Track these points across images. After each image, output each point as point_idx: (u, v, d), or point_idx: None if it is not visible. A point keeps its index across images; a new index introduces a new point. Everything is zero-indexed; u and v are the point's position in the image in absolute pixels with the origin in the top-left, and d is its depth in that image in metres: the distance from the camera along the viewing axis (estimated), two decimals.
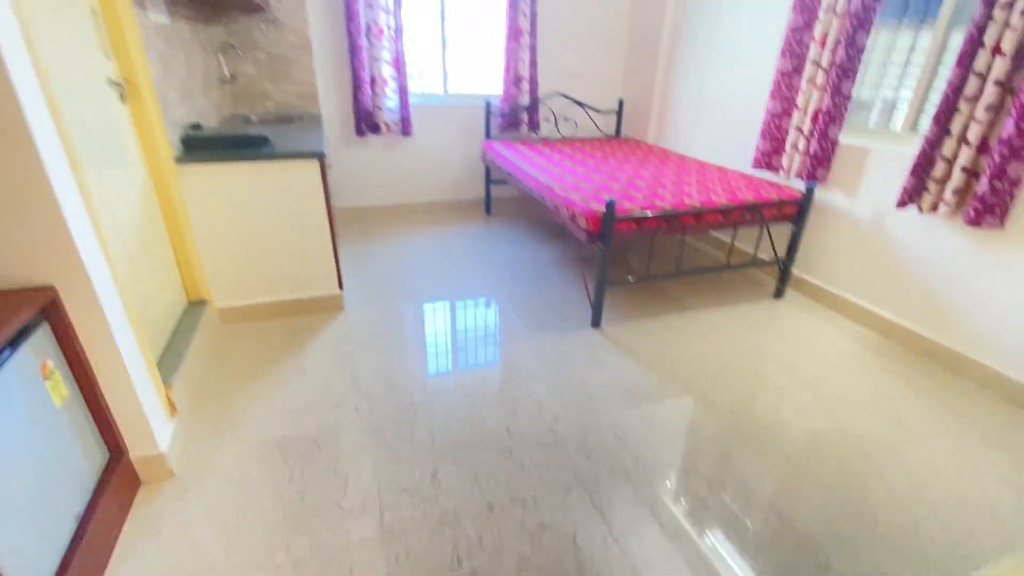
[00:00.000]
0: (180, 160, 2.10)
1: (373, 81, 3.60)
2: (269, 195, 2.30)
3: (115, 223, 1.64)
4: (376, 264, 3.24)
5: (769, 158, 2.96)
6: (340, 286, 2.59)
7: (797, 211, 2.64)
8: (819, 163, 2.64)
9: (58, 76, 1.38)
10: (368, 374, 2.11)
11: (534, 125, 4.18)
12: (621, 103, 4.28)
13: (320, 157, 2.29)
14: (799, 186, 2.87)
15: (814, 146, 2.62)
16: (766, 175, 3.09)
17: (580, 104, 4.18)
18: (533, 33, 3.84)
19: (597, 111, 4.24)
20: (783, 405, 1.99)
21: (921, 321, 2.35)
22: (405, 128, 3.82)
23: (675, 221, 2.43)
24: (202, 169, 2.15)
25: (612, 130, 4.43)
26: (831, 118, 2.54)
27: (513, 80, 3.97)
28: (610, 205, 2.22)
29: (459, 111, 4.03)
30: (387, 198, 4.13)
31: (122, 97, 1.80)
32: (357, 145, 3.88)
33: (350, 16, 3.39)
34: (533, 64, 3.95)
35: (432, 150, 4.10)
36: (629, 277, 2.61)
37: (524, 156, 3.49)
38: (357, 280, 3.00)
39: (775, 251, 2.87)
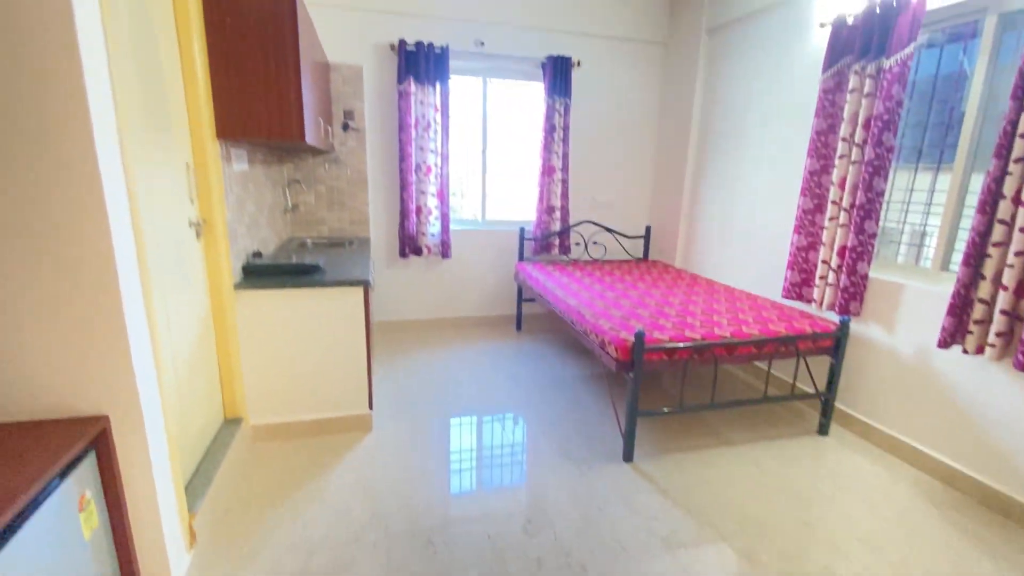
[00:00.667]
0: (239, 287, 2.29)
1: (419, 210, 3.95)
2: (315, 319, 2.45)
3: (171, 346, 1.77)
4: (408, 378, 3.29)
5: (799, 289, 2.98)
6: (370, 406, 2.63)
7: (834, 344, 2.59)
8: (851, 297, 2.63)
9: (148, 219, 1.59)
10: (390, 502, 2.05)
11: (565, 249, 4.39)
12: (648, 228, 4.49)
13: (364, 285, 2.46)
14: (833, 318, 2.85)
15: (844, 280, 2.64)
16: (798, 305, 3.09)
17: (609, 230, 4.40)
18: (565, 169, 4.20)
19: (625, 236, 4.45)
20: (838, 567, 1.79)
21: (985, 469, 2.15)
22: (445, 252, 4.08)
23: (707, 352, 2.42)
24: (257, 295, 2.34)
25: (640, 253, 4.60)
26: (858, 254, 2.58)
27: (546, 209, 4.27)
28: (639, 336, 2.25)
29: (495, 235, 4.31)
30: (424, 313, 4.30)
31: (198, 235, 2.04)
32: (399, 265, 4.15)
33: (403, 157, 3.82)
34: (565, 196, 4.27)
35: (468, 270, 4.32)
36: (664, 408, 2.55)
37: (555, 279, 3.64)
38: (388, 394, 3.03)
39: (815, 384, 2.77)
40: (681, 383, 2.61)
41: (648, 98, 4.42)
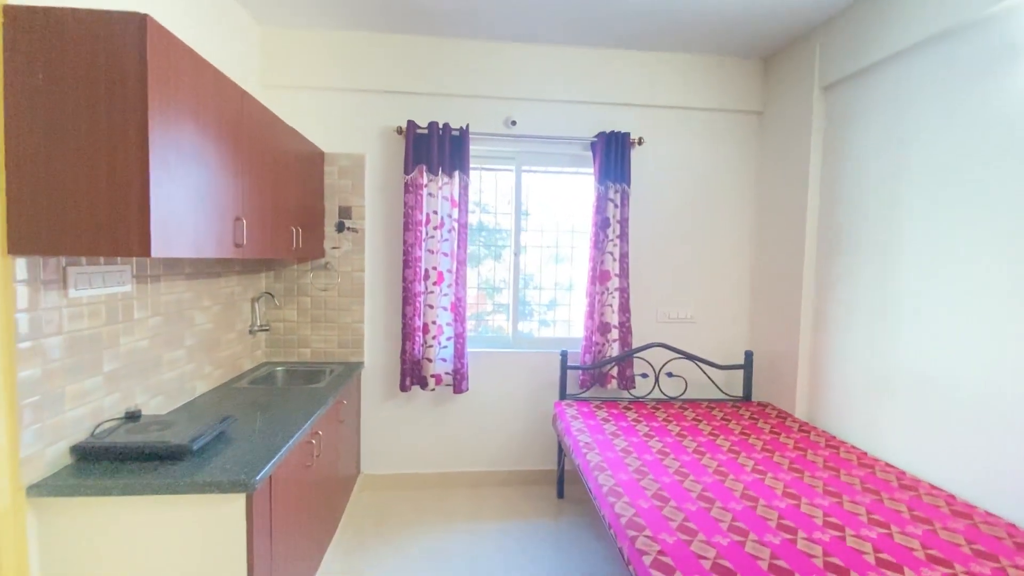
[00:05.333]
0: (40, 490, 1.38)
1: (425, 329, 3.00)
2: (157, 551, 1.45)
3: None
4: None
5: None
6: None
7: None
8: None
9: None
10: None
11: (627, 382, 3.17)
12: (749, 356, 3.17)
13: (250, 490, 1.45)
14: None
15: None
16: None
17: (691, 358, 3.14)
18: (624, 275, 3.11)
19: (715, 366, 3.15)
20: None
21: None
22: (459, 383, 3.04)
23: None
24: (63, 505, 1.41)
25: (739, 390, 3.23)
26: None
27: (598, 327, 3.14)
28: None
29: (528, 359, 3.22)
30: (429, 464, 3.19)
31: None
32: (399, 400, 3.15)
33: (408, 262, 2.97)
34: (624, 309, 3.13)
35: (490, 407, 3.21)
36: None
37: (603, 438, 2.40)
38: None
39: None
40: None
41: (738, 181, 3.32)
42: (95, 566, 1.43)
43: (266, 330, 2.95)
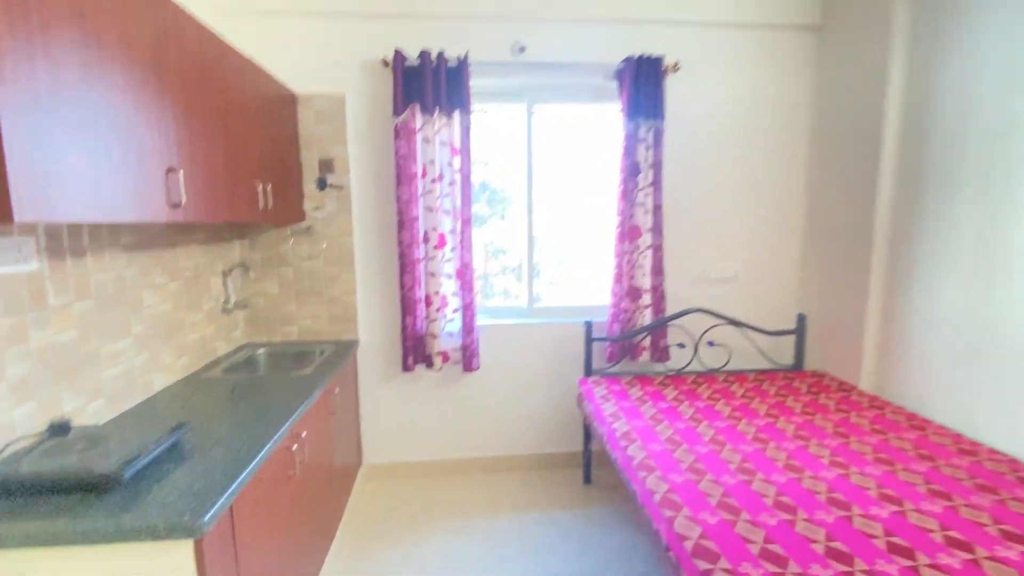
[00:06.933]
0: None
1: (428, 300, 2.59)
2: None
3: None
4: None
5: None
6: None
7: None
8: None
9: None
10: None
11: (661, 354, 2.77)
12: (802, 320, 2.75)
13: (196, 535, 1.07)
14: None
15: None
16: None
17: (736, 324, 2.72)
18: (657, 230, 2.65)
19: (762, 332, 2.74)
20: None
21: None
22: (469, 360, 2.65)
23: None
24: None
25: (789, 359, 2.82)
26: None
27: (627, 292, 2.71)
28: None
29: (547, 331, 2.82)
30: (438, 451, 2.85)
31: None
32: (401, 381, 2.77)
33: (403, 223, 2.52)
34: (657, 271, 2.69)
35: (505, 386, 2.84)
36: None
37: (641, 422, 2.03)
38: None
39: None
40: None
41: (791, 113, 2.79)
42: None
43: (243, 307, 2.54)
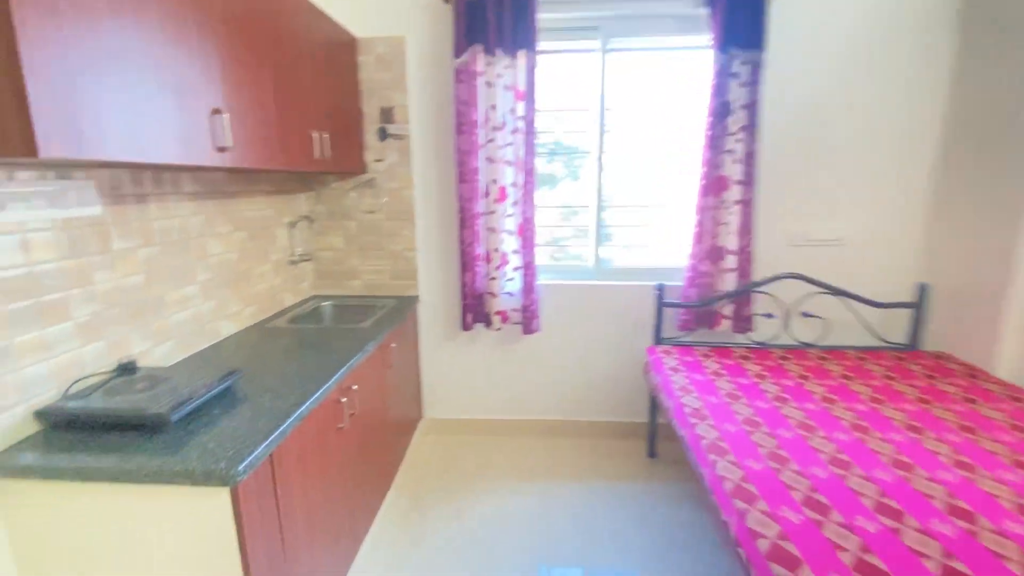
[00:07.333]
0: None
1: (488, 257, 2.48)
2: (139, 542, 1.14)
3: None
4: (435, 556, 1.81)
5: None
6: None
7: None
8: None
9: None
10: None
11: (744, 324, 2.48)
12: (923, 290, 2.32)
13: (231, 483, 1.06)
14: None
15: None
16: None
17: (840, 293, 2.36)
18: (748, 182, 2.32)
19: (871, 304, 2.35)
20: None
21: None
22: (529, 322, 2.53)
23: None
24: (19, 484, 1.11)
25: (902, 336, 2.41)
26: None
27: (708, 253, 2.43)
28: None
29: (614, 293, 2.61)
30: (496, 411, 2.80)
31: None
32: (461, 340, 2.72)
33: (463, 176, 2.40)
34: (745, 229, 2.37)
35: (567, 350, 2.69)
36: None
37: (717, 404, 1.80)
38: None
39: None
40: None
41: (932, 44, 2.27)
42: (73, 552, 1.15)
43: (309, 260, 2.58)
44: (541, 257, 2.62)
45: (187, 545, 1.13)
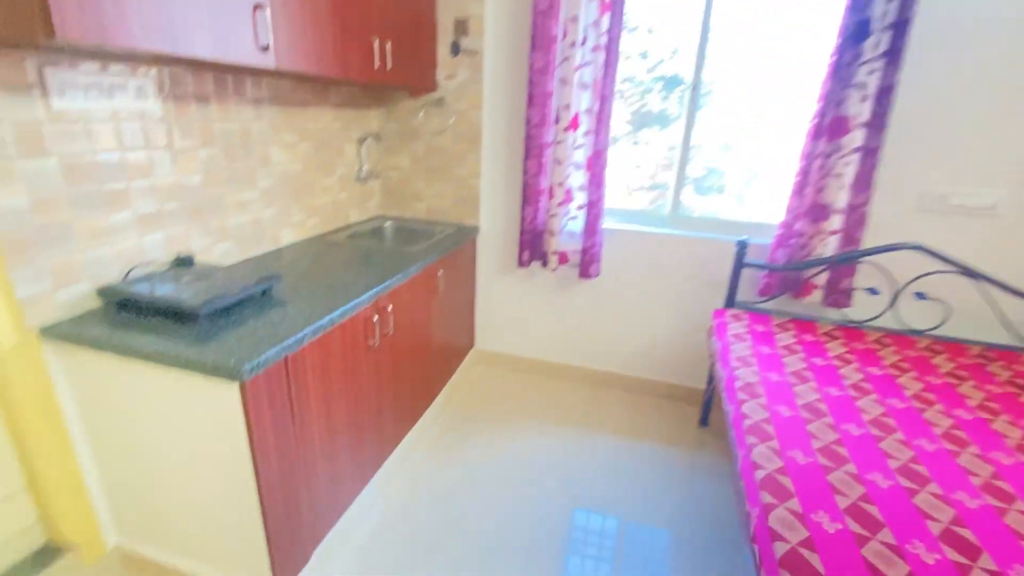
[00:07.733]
0: (54, 333, 1.23)
1: (551, 192, 2.31)
2: (166, 417, 1.25)
3: None
4: (463, 491, 1.87)
5: None
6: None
7: None
8: None
9: None
10: None
11: (839, 297, 2.12)
12: None
13: (241, 379, 1.11)
14: None
15: None
16: None
17: (975, 275, 1.91)
18: (878, 125, 1.88)
19: (1013, 291, 1.88)
20: None
21: None
22: (587, 266, 2.37)
23: None
24: (80, 350, 1.26)
25: None
26: None
27: (808, 209, 2.06)
28: None
29: (687, 246, 2.34)
30: (547, 352, 2.74)
31: None
32: (516, 277, 2.64)
33: (533, 98, 2.20)
34: (864, 184, 1.96)
35: (626, 301, 2.51)
36: None
37: (777, 383, 1.57)
38: (388, 537, 1.69)
39: None
40: None
41: None
42: (123, 416, 1.30)
43: (376, 178, 2.59)
44: (618, 199, 2.39)
45: (205, 432, 1.22)
